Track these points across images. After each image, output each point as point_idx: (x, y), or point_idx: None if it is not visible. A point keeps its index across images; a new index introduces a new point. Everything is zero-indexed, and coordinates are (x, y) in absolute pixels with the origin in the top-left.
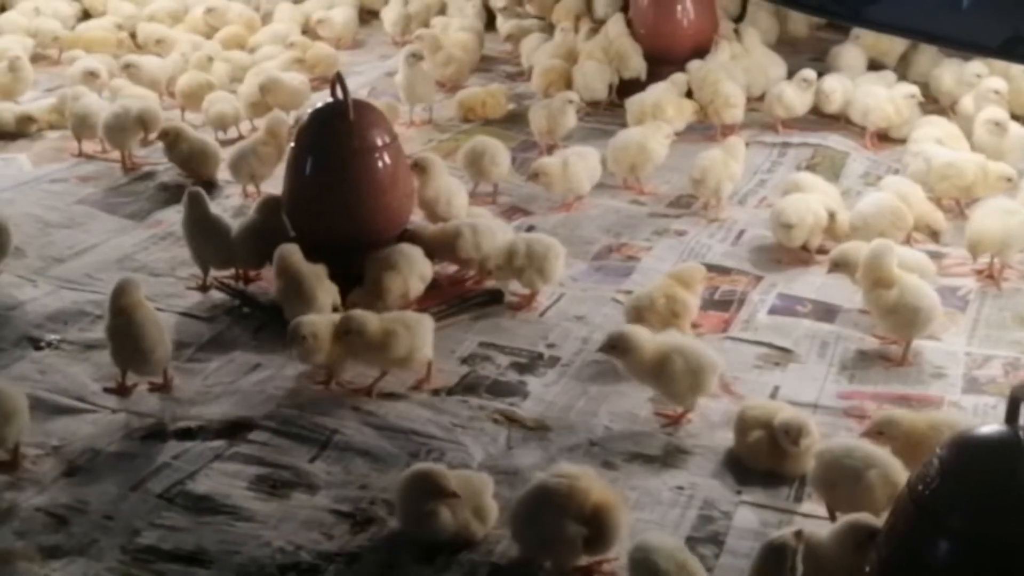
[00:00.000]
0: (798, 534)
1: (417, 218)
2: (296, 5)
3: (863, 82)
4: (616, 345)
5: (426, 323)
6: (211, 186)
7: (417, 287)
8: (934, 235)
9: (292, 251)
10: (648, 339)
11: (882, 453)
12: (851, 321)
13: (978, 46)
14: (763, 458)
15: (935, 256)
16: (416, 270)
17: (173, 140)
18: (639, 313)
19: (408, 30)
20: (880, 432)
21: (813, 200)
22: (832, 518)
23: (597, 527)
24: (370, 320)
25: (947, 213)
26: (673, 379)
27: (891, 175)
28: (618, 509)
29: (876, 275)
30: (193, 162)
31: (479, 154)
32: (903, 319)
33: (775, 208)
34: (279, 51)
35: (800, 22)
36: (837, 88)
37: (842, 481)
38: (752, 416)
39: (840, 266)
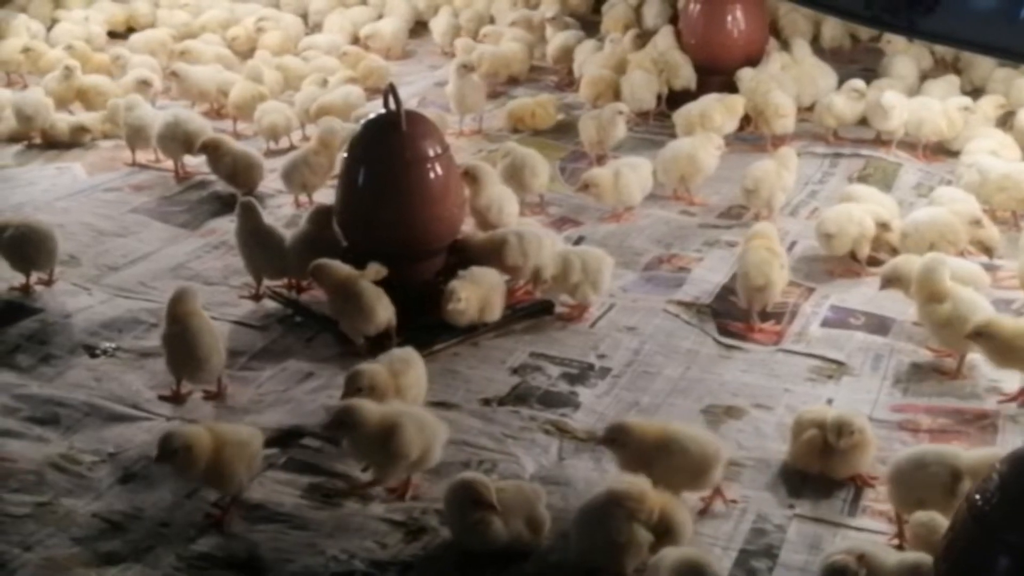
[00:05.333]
0: (860, 557)
1: (467, 227)
2: (345, 12)
3: (926, 88)
4: (343, 421)
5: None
6: (260, 196)
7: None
8: (987, 250)
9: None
10: (374, 410)
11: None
12: (905, 333)
13: None
14: (815, 458)
15: (990, 268)
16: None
17: (213, 152)
18: (765, 276)
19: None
20: (612, 439)
21: (857, 210)
22: (900, 531)
23: (664, 530)
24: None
25: (1002, 225)
26: (403, 443)
27: (944, 186)
28: (681, 510)
29: (929, 289)
30: (239, 174)
31: (519, 167)
32: (957, 332)
33: (819, 218)
34: (333, 63)
35: (840, 31)
36: (896, 105)
37: (914, 482)
38: (808, 419)
39: (892, 281)
